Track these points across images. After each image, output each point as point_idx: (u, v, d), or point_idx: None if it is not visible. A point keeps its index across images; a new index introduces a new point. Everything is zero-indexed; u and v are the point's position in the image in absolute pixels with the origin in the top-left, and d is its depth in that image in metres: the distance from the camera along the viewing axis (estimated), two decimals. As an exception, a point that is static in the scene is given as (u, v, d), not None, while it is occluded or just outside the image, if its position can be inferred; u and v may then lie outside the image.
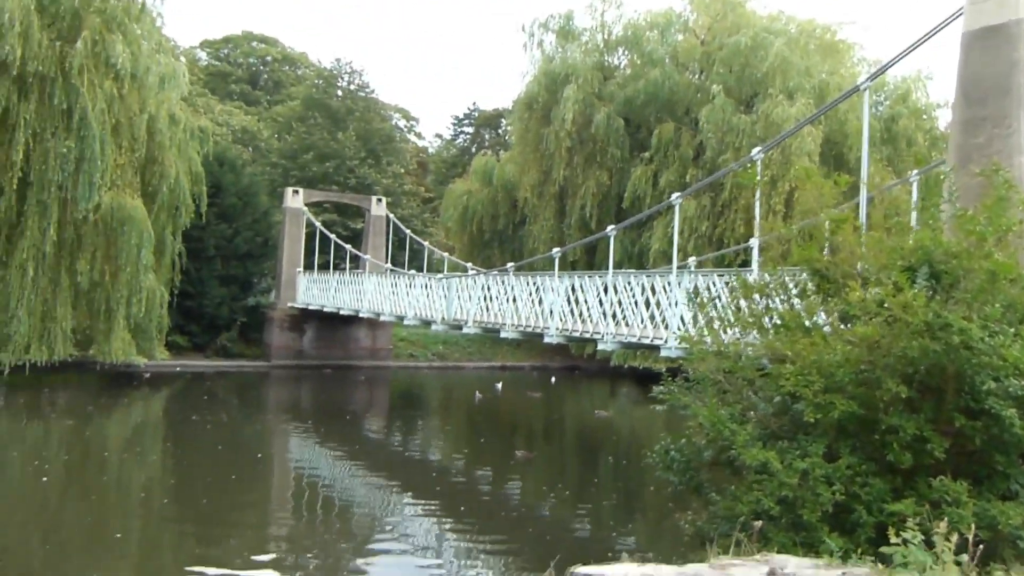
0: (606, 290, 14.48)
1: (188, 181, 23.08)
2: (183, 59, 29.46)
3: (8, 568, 8.34)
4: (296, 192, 30.11)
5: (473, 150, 47.34)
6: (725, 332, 9.57)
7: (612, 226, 15.32)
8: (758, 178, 12.10)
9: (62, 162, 19.08)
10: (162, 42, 23.25)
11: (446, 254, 26.15)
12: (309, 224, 29.58)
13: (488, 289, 18.17)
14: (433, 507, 11.65)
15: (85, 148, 19.09)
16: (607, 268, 15.02)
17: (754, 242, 12.93)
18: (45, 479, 12.46)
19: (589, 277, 15.44)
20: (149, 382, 23.50)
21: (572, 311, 15.44)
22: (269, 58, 49.14)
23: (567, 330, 15.45)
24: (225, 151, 29.76)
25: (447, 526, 10.76)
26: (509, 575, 8.54)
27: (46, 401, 20.50)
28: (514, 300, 17.03)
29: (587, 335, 14.98)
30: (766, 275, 9.00)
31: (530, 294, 16.65)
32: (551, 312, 15.71)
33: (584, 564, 4.53)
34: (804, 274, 8.19)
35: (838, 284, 7.32)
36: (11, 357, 19.36)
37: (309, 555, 9.08)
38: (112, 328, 20.80)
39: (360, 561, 9.19)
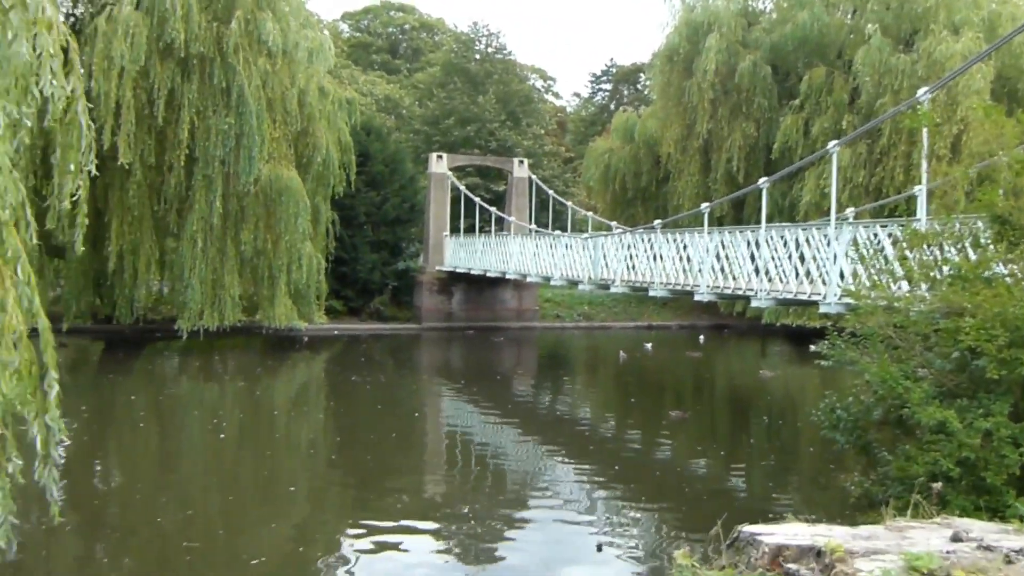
0: (758, 245, 13.98)
1: (338, 151, 23.98)
2: (327, 32, 30.39)
3: (194, 517, 9.02)
4: (440, 157, 30.65)
5: (612, 107, 46.67)
6: (891, 286, 9.03)
7: (764, 179, 14.70)
8: (935, 120, 11.26)
9: (223, 138, 20.17)
10: (308, 17, 24.05)
11: (589, 213, 25.98)
12: (453, 188, 30.09)
13: (634, 247, 17.94)
14: (585, 467, 11.70)
15: (244, 124, 20.10)
16: (756, 223, 14.47)
17: (920, 189, 12.10)
18: (222, 436, 13.39)
19: (740, 232, 14.94)
20: (309, 345, 24.73)
21: (723, 268, 15.02)
22: (407, 26, 50.01)
23: (718, 287, 15.05)
24: (371, 120, 30.64)
25: (600, 486, 10.79)
26: (669, 535, 8.46)
27: (218, 363, 21.98)
28: (661, 258, 16.74)
29: (739, 292, 14.54)
30: (935, 224, 8.40)
31: (678, 251, 16.31)
32: (700, 269, 15.34)
33: (750, 523, 4.41)
34: (980, 221, 7.60)
35: (1022, 231, 6.75)
36: (187, 323, 20.82)
37: (463, 514, 9.32)
38: (275, 294, 22.00)
39: (514, 518, 9.35)
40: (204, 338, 21.12)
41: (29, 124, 3.04)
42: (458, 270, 28.17)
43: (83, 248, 4.98)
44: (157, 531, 8.56)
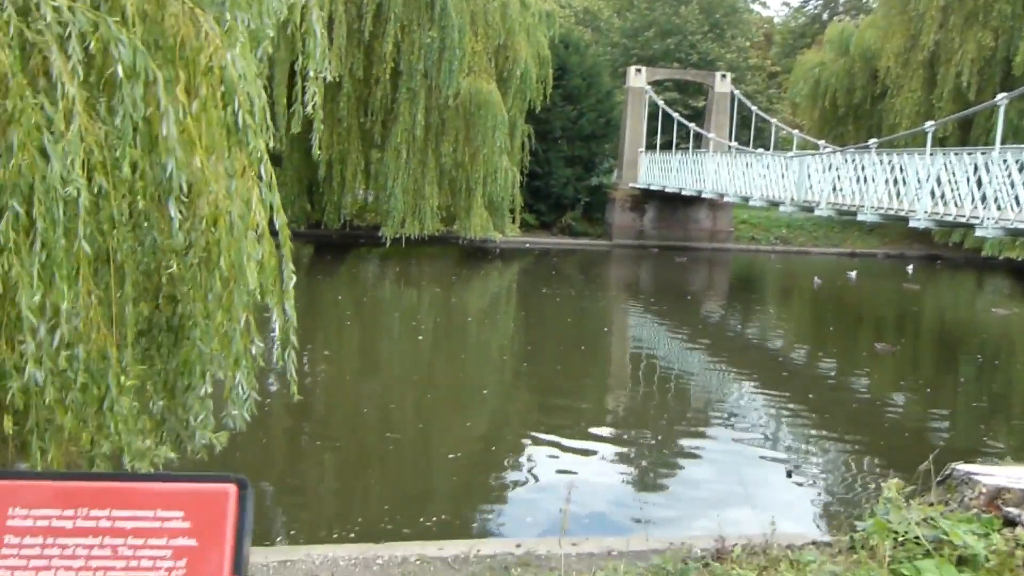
0: (987, 169, 12.74)
1: (536, 65, 23.98)
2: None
3: (394, 411, 9.70)
4: (638, 71, 29.94)
5: (825, 17, 43.44)
6: None
7: (1002, 94, 13.27)
8: None
9: (426, 51, 20.68)
10: (511, -72, 23.89)
11: (794, 131, 24.63)
12: (651, 103, 29.39)
13: (842, 168, 16.88)
14: (775, 394, 11.40)
15: (446, 37, 20.48)
16: (985, 144, 13.14)
17: None
18: (420, 338, 14.17)
19: (968, 154, 13.65)
20: (501, 256, 25.41)
21: (943, 193, 13.85)
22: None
23: (936, 214, 13.92)
24: (569, 33, 30.30)
25: (791, 414, 10.50)
26: (864, 468, 8.16)
27: (416, 270, 23.11)
28: (871, 180, 15.66)
29: (961, 219, 13.39)
30: None
31: (891, 173, 15.19)
32: (918, 194, 14.23)
33: (966, 462, 4.16)
34: None
35: None
36: (390, 231, 21.97)
37: (646, 428, 9.42)
38: (471, 206, 22.69)
39: (698, 437, 9.33)
40: (405, 245, 22.21)
41: (272, 34, 3.25)
42: (652, 188, 27.75)
43: (319, 152, 5.34)
44: (361, 420, 9.31)
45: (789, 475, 7.79)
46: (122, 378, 3.60)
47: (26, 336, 3.18)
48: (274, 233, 3.37)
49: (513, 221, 24.98)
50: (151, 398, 3.74)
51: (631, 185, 29.09)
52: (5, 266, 3.04)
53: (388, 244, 22.14)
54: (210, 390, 3.58)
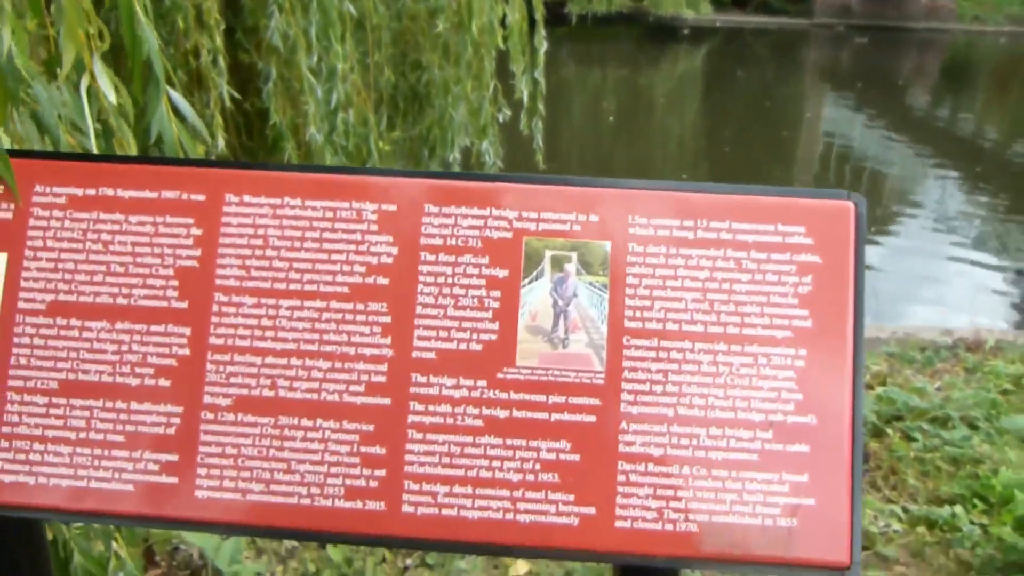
0: None
1: None
2: None
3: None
4: None
5: None
6: None
7: None
8: None
9: None
10: None
11: None
12: None
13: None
14: (983, 197, 10.74)
15: None
16: None
17: None
18: (611, 119, 14.21)
19: None
20: (689, 37, 24.26)
21: None
22: None
23: None
24: None
25: (1001, 213, 9.96)
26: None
27: (598, 50, 22.56)
28: None
29: None
30: None
31: None
32: None
33: None
34: None
35: None
36: (576, 7, 21.36)
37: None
38: (664, -21, 21.60)
39: (887, 232, 9.14)
40: (591, 24, 21.62)
41: None
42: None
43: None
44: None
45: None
46: (380, 143, 4.04)
47: (307, 97, 3.60)
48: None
49: (706, -2, 23.62)
50: (399, 165, 4.14)
51: (840, -44, 26.40)
52: (283, 27, 3.41)
53: (573, 22, 21.59)
54: (457, 157, 3.94)
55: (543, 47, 3.85)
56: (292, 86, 3.71)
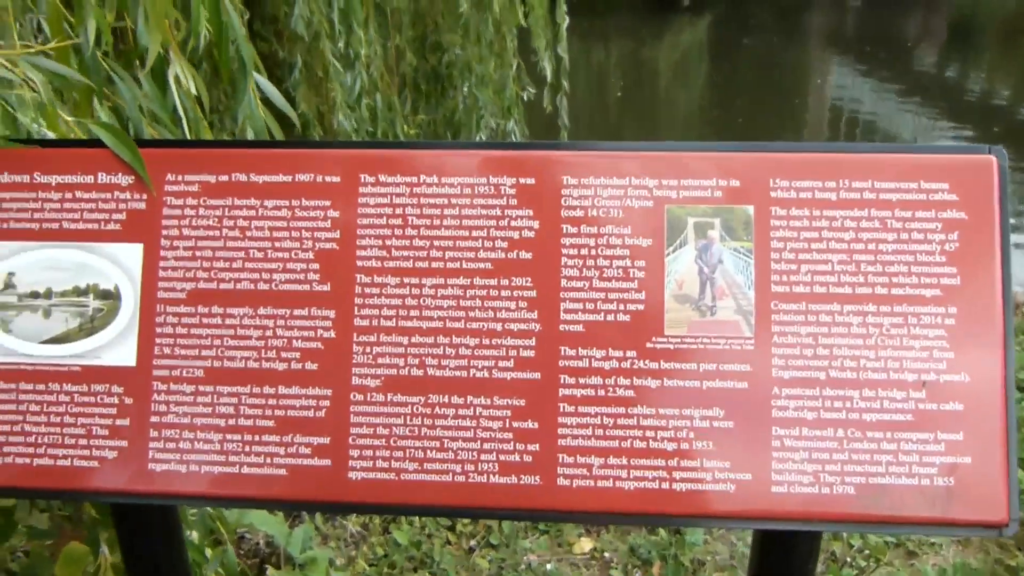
0: None
1: None
2: None
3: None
4: None
5: None
6: None
7: None
8: None
9: None
10: None
11: None
12: None
13: None
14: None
15: None
16: None
17: None
18: (619, 94, 14.13)
19: None
20: (690, 8, 24.06)
21: None
22: None
23: None
24: None
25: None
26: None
27: (599, 24, 22.38)
28: None
29: None
30: None
31: None
32: None
33: None
34: None
35: None
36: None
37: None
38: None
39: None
40: (589, -1, 21.46)
41: None
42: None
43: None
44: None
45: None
46: (405, 127, 4.00)
47: (332, 84, 3.58)
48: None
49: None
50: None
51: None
52: (307, 14, 3.38)
53: (575, -2, 21.45)
54: (483, 138, 3.93)
55: (565, 22, 3.82)
56: (314, 74, 3.68)
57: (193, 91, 1.68)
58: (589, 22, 22.19)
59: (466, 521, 3.01)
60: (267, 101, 1.73)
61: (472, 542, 3.03)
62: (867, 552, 2.89)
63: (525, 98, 3.90)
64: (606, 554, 2.94)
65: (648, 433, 1.04)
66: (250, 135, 1.58)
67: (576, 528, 2.99)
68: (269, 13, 3.91)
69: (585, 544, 3.01)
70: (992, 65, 17.59)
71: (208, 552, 1.82)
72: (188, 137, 1.64)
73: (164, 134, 1.68)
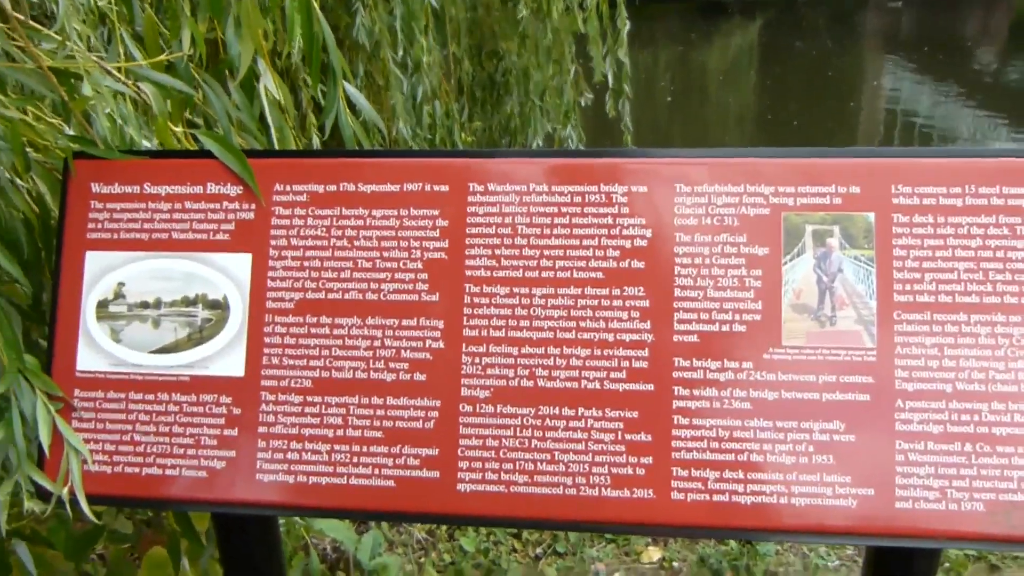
0: None
1: None
2: None
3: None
4: None
5: None
6: None
7: None
8: None
9: None
10: None
11: None
12: None
13: None
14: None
15: None
16: None
17: None
18: (669, 99, 14.03)
19: None
20: (741, 10, 23.80)
21: None
22: None
23: None
24: None
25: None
26: None
27: (646, 29, 22.26)
28: None
29: None
30: None
31: None
32: None
33: None
34: None
35: None
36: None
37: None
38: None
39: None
40: (639, 3, 21.36)
41: None
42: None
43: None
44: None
45: None
46: (463, 135, 4.01)
47: (393, 91, 3.59)
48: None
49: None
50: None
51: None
52: (368, 23, 3.39)
53: (637, 2, 21.39)
54: (540, 144, 3.90)
55: (626, 27, 3.78)
56: (375, 82, 3.71)
57: (280, 100, 1.69)
58: (638, 27, 22.10)
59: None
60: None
61: (538, 550, 3.01)
62: (947, 565, 2.81)
63: (582, 103, 3.88)
64: (675, 564, 2.89)
65: (765, 447, 1.01)
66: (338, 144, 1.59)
67: (644, 536, 2.95)
68: (330, 22, 3.94)
69: (653, 553, 2.97)
70: (1055, 64, 17.09)
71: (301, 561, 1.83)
72: (275, 147, 1.65)
73: (251, 143, 1.70)
